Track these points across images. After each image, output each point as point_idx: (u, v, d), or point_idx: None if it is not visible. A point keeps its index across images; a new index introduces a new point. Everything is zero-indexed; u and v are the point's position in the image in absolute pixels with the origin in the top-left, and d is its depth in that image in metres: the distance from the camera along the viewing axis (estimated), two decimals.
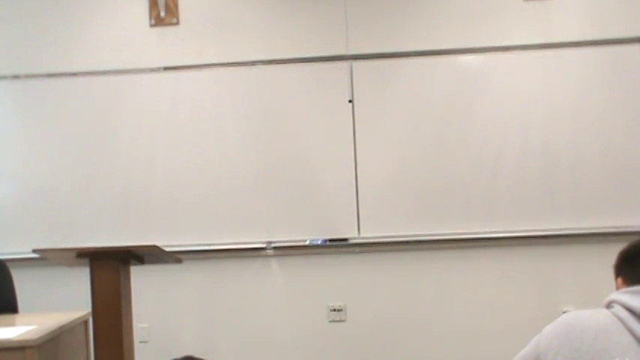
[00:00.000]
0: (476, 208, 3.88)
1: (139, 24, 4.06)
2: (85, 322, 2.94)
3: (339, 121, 3.95)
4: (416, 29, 3.97)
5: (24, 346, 2.33)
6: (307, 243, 3.95)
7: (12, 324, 2.74)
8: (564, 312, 1.53)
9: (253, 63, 4.01)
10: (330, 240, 3.95)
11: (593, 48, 3.88)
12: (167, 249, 2.70)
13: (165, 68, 4.03)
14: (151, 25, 4.06)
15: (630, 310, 1.37)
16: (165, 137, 3.99)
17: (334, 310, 3.99)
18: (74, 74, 4.05)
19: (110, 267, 2.58)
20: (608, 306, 1.44)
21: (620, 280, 1.54)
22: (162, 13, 4.04)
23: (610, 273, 1.60)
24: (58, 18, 4.07)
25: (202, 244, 3.95)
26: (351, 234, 3.93)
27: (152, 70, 4.04)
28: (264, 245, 3.97)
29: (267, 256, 3.99)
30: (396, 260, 3.95)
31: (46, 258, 2.90)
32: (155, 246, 2.63)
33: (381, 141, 3.93)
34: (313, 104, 3.97)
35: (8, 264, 3.17)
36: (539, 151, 3.86)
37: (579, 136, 3.86)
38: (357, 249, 3.97)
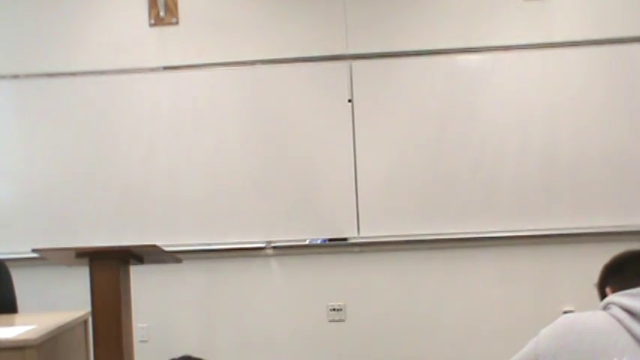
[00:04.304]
0: (476, 208, 3.87)
1: (138, 24, 4.06)
2: (85, 322, 2.93)
3: (339, 120, 3.94)
4: (415, 29, 3.97)
5: (23, 345, 2.33)
6: (307, 242, 3.95)
7: (11, 324, 2.74)
8: (564, 312, 1.53)
9: (253, 63, 4.01)
10: (330, 240, 3.94)
11: (592, 47, 3.87)
12: (167, 249, 2.70)
13: (165, 68, 4.03)
14: (151, 25, 4.06)
15: (628, 311, 1.37)
16: (165, 137, 3.99)
17: (334, 309, 3.98)
18: (74, 74, 4.04)
19: (110, 267, 2.58)
20: (605, 308, 1.44)
21: (609, 290, 1.54)
22: (162, 13, 4.04)
23: None
24: (57, 18, 4.07)
25: (202, 244, 3.95)
26: (350, 233, 3.93)
27: (152, 69, 4.04)
28: (263, 245, 3.97)
29: (267, 255, 3.99)
30: (395, 260, 3.95)
31: (45, 258, 2.90)
32: (155, 246, 2.63)
33: (381, 140, 3.93)
34: (313, 104, 3.96)
35: (8, 264, 3.17)
36: (539, 151, 3.86)
37: (579, 136, 3.85)
38: (356, 248, 3.97)
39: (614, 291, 1.50)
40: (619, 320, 1.37)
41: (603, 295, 1.56)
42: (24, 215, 4.00)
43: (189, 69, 4.01)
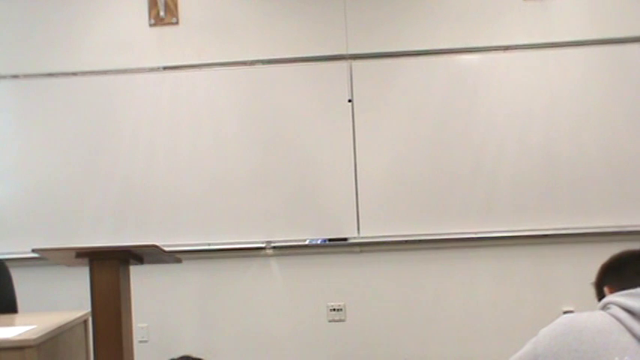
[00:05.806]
0: (476, 208, 3.88)
1: (138, 24, 4.06)
2: (85, 322, 2.93)
3: (339, 120, 3.95)
4: (415, 29, 3.97)
5: (23, 345, 2.33)
6: (307, 243, 3.95)
7: (11, 324, 2.74)
8: (565, 312, 1.53)
9: (252, 63, 4.01)
10: (330, 240, 3.94)
11: (593, 47, 3.88)
12: (167, 249, 2.70)
13: (165, 68, 4.03)
14: (151, 25, 4.06)
15: (628, 311, 1.37)
16: (165, 137, 3.99)
17: (334, 309, 3.99)
18: (74, 74, 4.05)
19: (110, 267, 2.57)
20: (604, 308, 1.44)
21: (607, 289, 1.54)
22: (162, 13, 4.04)
23: None
24: (58, 18, 4.07)
25: (202, 244, 3.95)
26: (350, 234, 3.93)
27: (151, 69, 4.04)
28: (263, 245, 3.97)
29: (267, 255, 3.99)
30: (395, 260, 3.95)
31: (45, 258, 2.90)
32: (154, 246, 2.63)
33: (381, 140, 3.93)
34: (313, 104, 3.96)
35: (8, 264, 3.17)
36: (539, 151, 3.86)
37: (579, 136, 3.86)
38: (356, 249, 3.97)
39: (612, 290, 1.50)
40: (619, 320, 1.37)
41: (601, 295, 1.56)
42: (24, 215, 4.00)
43: (189, 69, 4.02)
